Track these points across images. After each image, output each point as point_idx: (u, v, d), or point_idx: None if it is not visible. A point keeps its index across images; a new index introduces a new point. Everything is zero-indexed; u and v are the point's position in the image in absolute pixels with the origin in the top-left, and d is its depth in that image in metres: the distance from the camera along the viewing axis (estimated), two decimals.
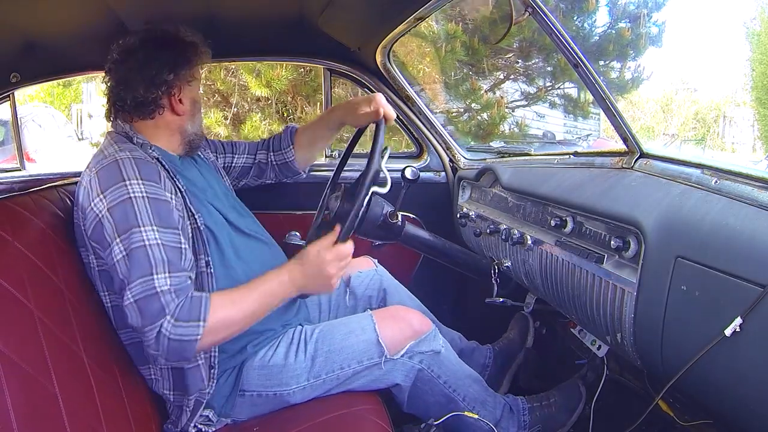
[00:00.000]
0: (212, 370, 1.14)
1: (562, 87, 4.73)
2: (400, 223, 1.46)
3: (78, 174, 1.20)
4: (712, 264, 0.79)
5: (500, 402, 1.35)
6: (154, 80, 1.18)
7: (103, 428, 0.94)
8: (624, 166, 1.14)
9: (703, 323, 0.80)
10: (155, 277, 1.00)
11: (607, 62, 4.69)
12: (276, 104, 4.40)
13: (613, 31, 4.66)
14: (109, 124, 1.24)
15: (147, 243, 1.01)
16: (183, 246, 1.06)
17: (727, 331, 0.75)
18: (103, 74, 1.23)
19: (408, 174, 1.37)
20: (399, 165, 1.45)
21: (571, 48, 1.10)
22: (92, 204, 1.05)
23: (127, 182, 1.05)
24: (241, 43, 1.83)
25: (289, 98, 4.34)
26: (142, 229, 1.02)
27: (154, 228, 1.03)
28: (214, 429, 1.18)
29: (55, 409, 0.86)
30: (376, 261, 1.60)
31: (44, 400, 0.85)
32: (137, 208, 1.03)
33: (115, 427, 0.99)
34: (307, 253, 1.15)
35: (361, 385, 1.23)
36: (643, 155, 1.12)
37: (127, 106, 1.19)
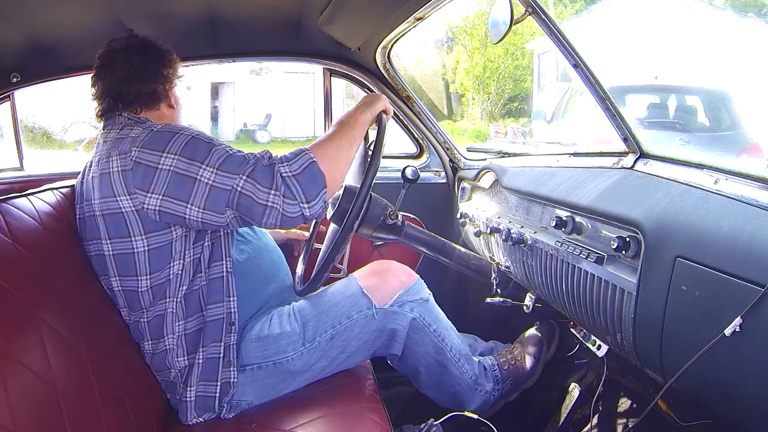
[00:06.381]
0: (232, 327, 1.17)
1: None
2: (400, 222, 1.46)
3: (77, 174, 1.20)
4: (712, 264, 0.79)
5: (476, 360, 1.42)
6: (156, 72, 1.24)
7: (104, 427, 0.94)
8: (624, 166, 1.14)
9: (703, 323, 0.80)
10: (258, 155, 1.07)
11: None
12: None
13: None
14: (102, 123, 1.23)
15: (231, 151, 1.08)
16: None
17: (727, 331, 0.75)
18: (93, 76, 1.24)
19: (408, 174, 1.37)
20: (399, 165, 1.45)
21: (571, 48, 1.11)
22: (159, 162, 1.06)
23: (183, 131, 1.10)
24: (241, 43, 1.83)
25: None
26: (219, 146, 1.08)
27: (226, 145, 1.10)
28: (214, 417, 1.17)
29: (56, 408, 0.86)
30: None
31: (45, 400, 0.85)
32: (205, 138, 1.09)
33: (117, 425, 0.99)
34: None
35: (358, 343, 1.25)
36: (643, 155, 1.12)
37: (133, 97, 1.22)
